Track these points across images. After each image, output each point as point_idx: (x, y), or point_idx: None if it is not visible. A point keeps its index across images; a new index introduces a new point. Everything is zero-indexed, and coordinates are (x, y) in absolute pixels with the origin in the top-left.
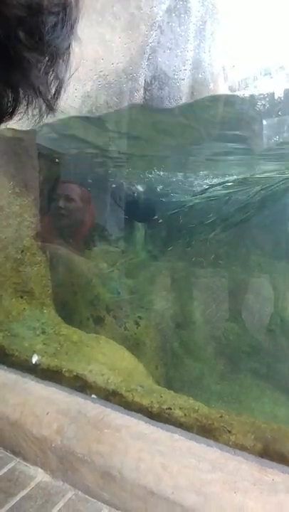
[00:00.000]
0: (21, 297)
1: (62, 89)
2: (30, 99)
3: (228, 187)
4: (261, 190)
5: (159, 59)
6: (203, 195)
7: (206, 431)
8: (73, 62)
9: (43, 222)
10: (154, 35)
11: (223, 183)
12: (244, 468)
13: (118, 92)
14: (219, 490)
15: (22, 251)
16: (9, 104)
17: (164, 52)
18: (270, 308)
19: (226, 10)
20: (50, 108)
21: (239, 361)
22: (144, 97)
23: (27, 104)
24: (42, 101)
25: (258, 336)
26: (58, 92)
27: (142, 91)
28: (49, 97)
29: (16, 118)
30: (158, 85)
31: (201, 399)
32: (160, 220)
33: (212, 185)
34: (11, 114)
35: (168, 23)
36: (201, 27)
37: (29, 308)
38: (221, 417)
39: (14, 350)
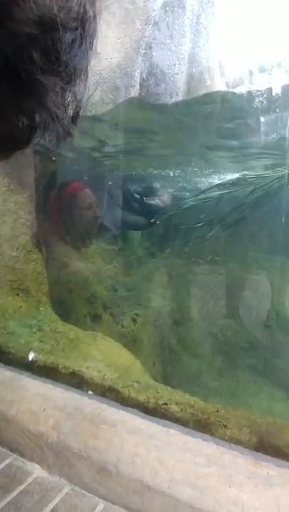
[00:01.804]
0: (17, 295)
1: (81, 111)
2: (46, 124)
3: (222, 188)
4: (254, 189)
5: (154, 53)
6: (199, 197)
7: (201, 425)
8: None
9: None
10: (149, 30)
11: (219, 184)
12: (239, 462)
13: (113, 88)
14: (215, 484)
15: (17, 248)
16: (24, 132)
17: (160, 47)
18: (268, 303)
19: (222, 4)
20: (68, 133)
21: (236, 357)
22: (140, 94)
23: (43, 130)
24: (59, 126)
25: (256, 332)
26: (76, 114)
27: (137, 87)
28: (66, 121)
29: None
30: (154, 81)
31: (199, 395)
32: (157, 222)
33: (207, 189)
34: (27, 142)
35: (163, 18)
36: (196, 21)
37: (25, 305)
38: (217, 411)
39: (11, 348)
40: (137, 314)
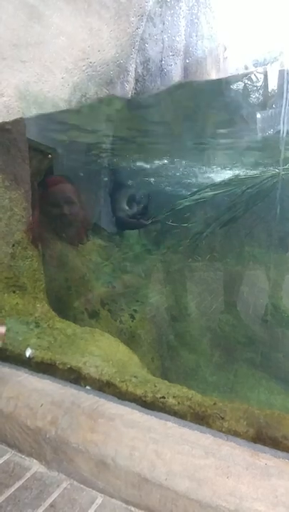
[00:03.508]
0: (14, 292)
1: None
2: None
3: (215, 188)
4: (247, 189)
5: (148, 47)
6: (193, 198)
7: (199, 418)
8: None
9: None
10: (143, 23)
11: (211, 185)
12: (237, 454)
13: (108, 82)
14: (212, 475)
15: (13, 245)
16: None
17: (154, 40)
18: (265, 297)
19: None
20: None
21: (234, 352)
22: (135, 88)
23: None
24: None
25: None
26: None
27: (132, 81)
28: None
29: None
30: (149, 76)
31: (197, 390)
32: (154, 219)
33: (200, 189)
34: None
35: (157, 11)
36: (190, 13)
37: (22, 302)
38: (215, 404)
39: (8, 345)
40: (135, 310)
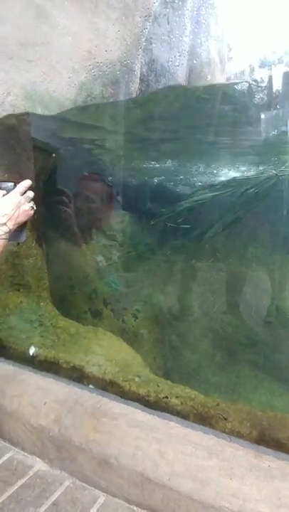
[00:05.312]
0: (18, 290)
1: None
2: None
3: (215, 190)
4: (246, 190)
5: (154, 47)
6: (192, 199)
7: (202, 418)
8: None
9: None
10: (149, 24)
11: (210, 185)
12: (240, 455)
13: (113, 82)
14: (215, 476)
15: (18, 243)
16: None
17: (159, 41)
18: (263, 298)
19: None
20: None
21: (236, 353)
22: (140, 88)
23: None
24: None
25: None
26: None
27: (137, 81)
28: None
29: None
30: (154, 76)
31: (199, 390)
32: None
33: (198, 190)
34: None
35: (163, 11)
36: (196, 14)
37: (26, 301)
38: (218, 405)
39: (12, 343)
40: (137, 310)
